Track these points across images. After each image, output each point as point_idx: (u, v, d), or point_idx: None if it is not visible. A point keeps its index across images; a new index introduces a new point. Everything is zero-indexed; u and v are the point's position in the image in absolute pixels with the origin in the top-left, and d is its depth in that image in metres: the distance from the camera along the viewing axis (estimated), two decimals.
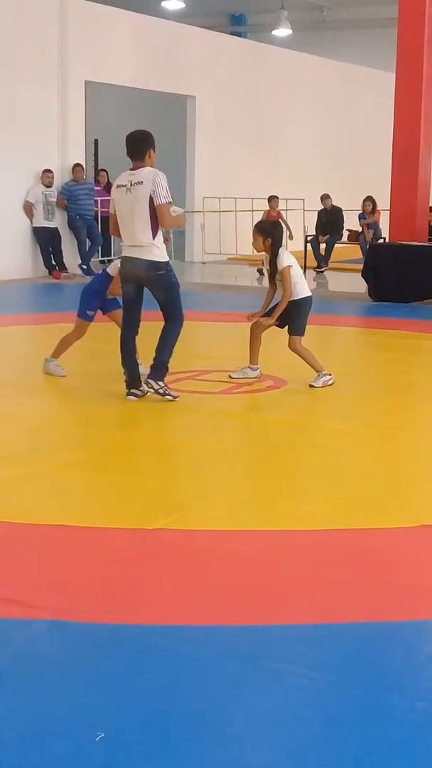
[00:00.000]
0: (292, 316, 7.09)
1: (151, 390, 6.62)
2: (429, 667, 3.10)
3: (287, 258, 7.04)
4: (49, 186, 14.51)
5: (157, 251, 6.55)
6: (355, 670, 3.08)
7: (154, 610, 3.47)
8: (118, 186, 6.65)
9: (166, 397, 6.62)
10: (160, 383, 6.63)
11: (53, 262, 14.69)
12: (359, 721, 2.76)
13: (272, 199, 15.90)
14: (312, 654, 3.16)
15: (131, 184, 6.53)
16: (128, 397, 6.69)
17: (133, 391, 6.70)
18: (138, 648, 3.18)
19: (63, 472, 5.13)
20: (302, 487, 4.97)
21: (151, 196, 6.41)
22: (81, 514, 4.45)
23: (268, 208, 15.71)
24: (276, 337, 7.48)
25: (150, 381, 6.62)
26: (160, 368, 6.65)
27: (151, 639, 3.25)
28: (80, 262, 15.04)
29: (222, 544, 4.13)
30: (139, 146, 6.58)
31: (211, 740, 2.67)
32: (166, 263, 6.61)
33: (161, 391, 6.63)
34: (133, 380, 6.73)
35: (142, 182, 6.47)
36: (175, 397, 6.65)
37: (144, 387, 6.69)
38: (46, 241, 14.61)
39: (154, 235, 6.50)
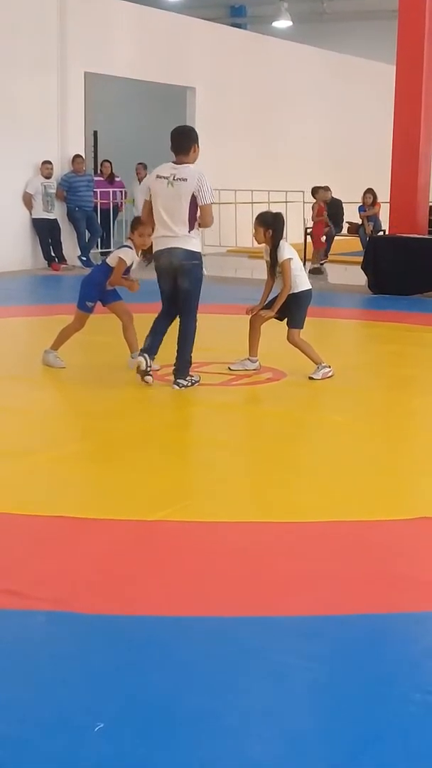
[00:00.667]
0: (292, 309, 7.08)
1: (182, 388, 6.79)
2: (427, 659, 3.10)
3: (288, 250, 7.02)
4: (48, 177, 14.48)
5: (194, 242, 6.73)
6: (353, 661, 3.08)
7: (152, 601, 3.48)
8: (159, 177, 6.76)
9: (195, 384, 6.87)
10: (187, 379, 6.85)
11: (52, 254, 14.67)
12: (357, 712, 2.77)
13: (317, 191, 15.88)
14: (310, 645, 3.16)
15: (174, 178, 6.64)
16: (138, 357, 6.85)
17: (144, 355, 6.80)
18: (137, 639, 3.19)
19: (62, 464, 5.13)
20: (301, 479, 4.97)
21: (194, 194, 6.57)
22: (80, 506, 4.45)
23: (315, 200, 15.58)
24: (275, 329, 7.48)
25: (179, 381, 6.81)
26: (185, 367, 6.87)
27: (149, 630, 3.26)
28: (80, 253, 15.03)
29: (221, 535, 4.14)
30: (183, 141, 6.72)
31: (210, 731, 2.67)
32: (201, 255, 6.83)
33: (189, 384, 6.84)
34: (149, 349, 6.85)
35: (186, 179, 6.60)
36: (198, 380, 6.91)
37: (150, 375, 6.84)
38: (46, 232, 14.59)
39: (191, 229, 6.67)
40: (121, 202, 16.69)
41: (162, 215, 6.71)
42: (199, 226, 6.77)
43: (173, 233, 6.68)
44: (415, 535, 4.22)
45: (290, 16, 22.50)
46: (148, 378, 6.82)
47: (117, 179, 16.63)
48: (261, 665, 3.03)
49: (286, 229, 7.23)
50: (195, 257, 6.74)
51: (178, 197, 6.61)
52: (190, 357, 6.89)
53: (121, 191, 16.68)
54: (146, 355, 6.81)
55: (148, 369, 6.78)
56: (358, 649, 3.17)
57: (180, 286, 6.79)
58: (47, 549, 3.96)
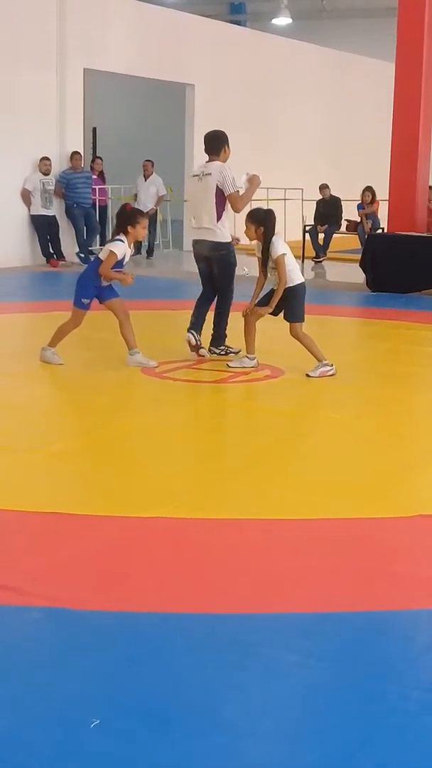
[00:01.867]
0: (289, 303, 7.06)
1: (215, 354, 7.75)
2: (425, 656, 3.10)
3: (282, 246, 7.00)
4: (46, 174, 14.47)
5: (220, 233, 7.55)
6: (351, 658, 3.08)
7: (149, 597, 3.47)
8: (193, 176, 7.80)
9: (230, 354, 7.69)
10: (221, 347, 7.80)
11: (51, 250, 14.66)
12: (355, 709, 2.76)
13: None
14: (308, 642, 3.16)
15: (203, 174, 7.59)
16: (187, 335, 7.66)
17: (191, 332, 7.66)
18: (133, 635, 3.18)
19: (59, 460, 5.12)
20: (299, 476, 4.96)
21: (218, 185, 7.43)
22: (76, 502, 4.45)
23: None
24: (274, 326, 7.47)
25: (212, 348, 7.80)
26: (219, 338, 7.83)
27: (146, 627, 3.25)
28: (78, 250, 15.01)
29: (217, 532, 4.13)
30: (214, 144, 7.61)
31: (208, 728, 2.67)
32: (228, 244, 7.63)
33: (223, 353, 7.76)
34: (194, 325, 7.71)
35: (210, 173, 7.50)
36: (237, 352, 7.64)
37: (203, 348, 7.74)
38: (44, 229, 14.58)
39: (218, 218, 7.52)
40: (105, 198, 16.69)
41: (195, 209, 7.69)
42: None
43: (204, 225, 7.60)
44: (413, 532, 4.22)
45: (290, 13, 22.50)
46: (203, 351, 7.69)
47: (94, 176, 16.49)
48: (258, 662, 3.03)
49: (281, 223, 7.26)
50: (221, 247, 7.59)
51: (205, 190, 7.51)
52: (224, 331, 7.80)
53: (105, 188, 16.69)
54: (193, 332, 7.65)
55: (198, 343, 7.64)
56: (355, 647, 3.16)
57: (213, 272, 7.74)
58: (43, 545, 3.95)
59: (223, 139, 7.63)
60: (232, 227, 7.85)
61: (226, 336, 7.83)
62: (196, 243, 7.75)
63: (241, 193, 7.53)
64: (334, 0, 24.72)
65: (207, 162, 7.63)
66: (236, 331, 7.57)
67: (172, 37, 16.85)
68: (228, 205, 7.55)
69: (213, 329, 7.82)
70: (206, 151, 7.67)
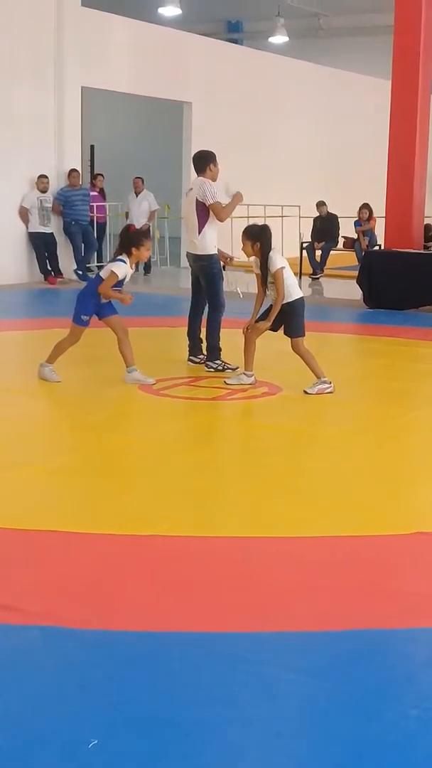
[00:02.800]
0: (289, 319, 7.07)
1: (212, 370, 7.86)
2: (424, 675, 3.09)
3: (279, 260, 7.01)
4: (44, 191, 14.48)
5: (200, 245, 7.88)
6: (349, 676, 3.07)
7: (147, 616, 3.46)
8: (186, 194, 8.17)
9: (227, 370, 7.77)
10: (217, 362, 7.89)
11: (49, 268, 14.67)
12: (354, 727, 2.75)
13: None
14: (306, 661, 3.15)
15: (188, 192, 8.04)
16: (188, 361, 8.16)
17: (191, 358, 8.17)
18: (131, 654, 3.17)
19: (56, 477, 5.12)
20: (296, 493, 4.96)
21: (197, 199, 7.75)
22: (74, 520, 4.43)
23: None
24: (272, 343, 7.48)
25: (208, 363, 7.94)
26: (212, 351, 7.96)
27: (144, 645, 3.24)
28: (75, 267, 15.04)
29: (214, 550, 4.12)
30: (200, 163, 7.95)
31: (205, 747, 2.66)
32: (210, 256, 7.90)
33: (220, 368, 7.84)
34: (192, 349, 8.20)
35: (192, 189, 7.93)
36: (234, 368, 7.71)
37: (201, 357, 8.10)
38: (42, 246, 14.59)
39: (199, 231, 7.83)
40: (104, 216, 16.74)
41: (184, 223, 8.28)
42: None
43: (189, 238, 8.07)
44: (411, 549, 4.21)
45: (286, 32, 22.61)
46: (209, 365, 7.93)
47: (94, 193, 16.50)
48: (256, 680, 3.01)
49: (278, 240, 7.27)
50: (201, 259, 7.92)
51: (189, 204, 7.93)
52: (217, 344, 7.94)
53: (105, 205, 16.73)
54: (192, 357, 8.15)
55: (201, 361, 8.07)
56: (354, 664, 3.15)
57: (202, 285, 8.06)
58: (40, 563, 3.95)
59: (209, 158, 7.94)
60: (229, 247, 7.95)
61: (220, 349, 7.93)
62: (186, 255, 8.23)
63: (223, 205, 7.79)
64: (331, 18, 24.85)
65: (194, 180, 8.05)
66: (235, 347, 7.57)
67: (170, 55, 16.93)
68: (211, 218, 7.79)
69: (207, 344, 8.00)
70: (195, 170, 8.04)
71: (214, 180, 7.88)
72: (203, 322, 8.16)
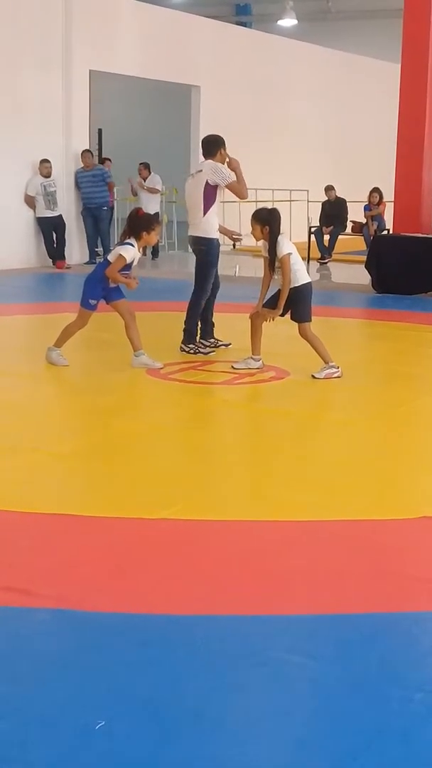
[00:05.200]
0: (296, 304, 7.06)
1: (184, 352, 7.87)
2: (429, 659, 3.10)
3: (287, 245, 7.00)
4: (47, 176, 14.43)
5: (203, 228, 7.82)
6: (354, 661, 3.08)
7: (154, 599, 3.48)
8: (190, 176, 8.09)
9: (199, 353, 7.82)
10: (191, 346, 7.89)
11: (59, 252, 14.63)
12: (359, 712, 2.76)
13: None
14: (312, 645, 3.16)
15: (196, 173, 7.95)
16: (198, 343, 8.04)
17: (201, 341, 8.04)
18: (138, 637, 3.19)
19: (65, 461, 5.13)
20: (303, 477, 4.97)
21: (208, 181, 7.68)
22: (82, 504, 4.45)
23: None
24: (279, 327, 7.48)
25: (182, 346, 7.92)
26: (185, 335, 7.94)
27: (151, 628, 3.26)
28: (98, 250, 14.98)
29: (222, 534, 4.14)
30: (210, 147, 7.88)
31: (211, 730, 2.68)
32: (210, 240, 7.85)
33: (192, 351, 7.86)
34: (203, 332, 8.08)
35: (202, 170, 7.82)
36: (207, 353, 7.82)
37: (213, 341, 8.10)
38: (49, 230, 14.57)
39: (204, 213, 7.76)
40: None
41: (187, 205, 7.99)
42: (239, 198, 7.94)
43: (190, 219, 7.94)
44: (417, 534, 4.22)
45: (295, 15, 22.49)
46: (221, 344, 8.03)
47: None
48: (262, 664, 3.03)
49: (286, 224, 7.25)
50: (201, 242, 7.86)
51: (195, 186, 7.81)
52: (190, 327, 7.92)
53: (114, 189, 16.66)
54: (201, 341, 8.00)
55: (215, 342, 8.04)
56: (359, 649, 3.16)
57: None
58: (50, 547, 3.96)
59: (219, 143, 7.85)
60: (238, 227, 7.93)
61: (192, 334, 7.95)
62: (188, 237, 8.12)
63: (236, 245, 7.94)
64: (340, 1, 24.72)
65: (201, 162, 7.99)
66: (242, 331, 7.57)
67: (178, 38, 16.87)
68: (216, 203, 7.83)
69: (185, 325, 7.95)
70: (203, 154, 7.99)
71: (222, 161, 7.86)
72: (214, 306, 8.19)
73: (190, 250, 8.42)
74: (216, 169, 7.73)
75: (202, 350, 7.89)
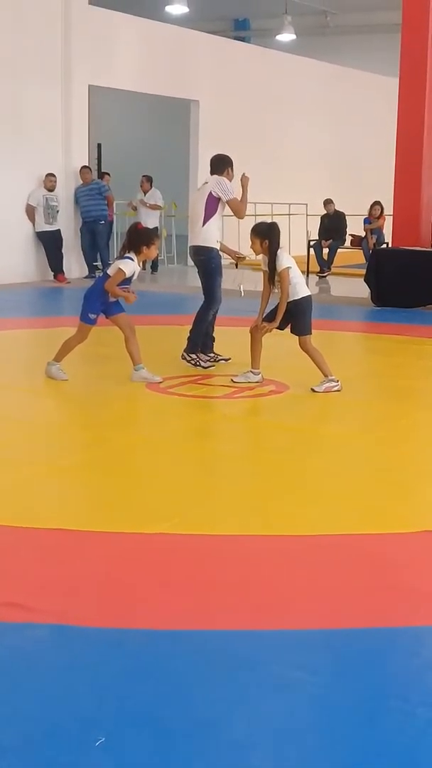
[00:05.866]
0: (296, 317, 7.07)
1: (185, 361, 7.91)
2: (431, 673, 3.08)
3: (286, 259, 7.02)
4: (51, 190, 14.47)
5: (202, 237, 7.89)
6: (357, 675, 3.06)
7: (154, 614, 3.46)
8: (197, 189, 8.23)
9: (198, 367, 7.83)
10: (192, 356, 7.92)
11: (57, 266, 14.65)
12: (360, 726, 2.75)
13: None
14: (314, 659, 3.15)
15: (201, 186, 8.12)
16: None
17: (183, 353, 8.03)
18: (138, 652, 3.18)
19: (64, 476, 5.12)
20: (303, 491, 4.95)
21: (212, 193, 7.80)
22: (82, 518, 4.44)
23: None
24: (278, 341, 7.48)
25: (183, 354, 7.95)
26: (189, 345, 7.96)
27: (151, 643, 3.24)
28: (97, 264, 15.03)
29: (222, 548, 4.12)
30: (218, 166, 7.99)
31: (212, 745, 2.66)
32: (209, 249, 7.89)
33: (192, 363, 7.88)
34: (203, 347, 8.08)
35: (208, 182, 7.96)
36: (206, 367, 7.84)
37: (212, 356, 8.11)
38: (50, 243, 14.59)
39: (204, 223, 7.84)
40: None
41: (190, 216, 8.17)
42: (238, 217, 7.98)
43: (191, 229, 8.08)
44: (419, 548, 4.20)
45: (294, 30, 22.57)
46: (220, 359, 8.06)
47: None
48: (262, 679, 3.01)
49: (285, 238, 7.26)
50: (201, 252, 7.93)
51: (200, 197, 7.94)
52: (194, 338, 7.92)
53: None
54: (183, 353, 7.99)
55: (214, 357, 8.06)
56: (361, 663, 3.15)
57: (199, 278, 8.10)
58: (47, 561, 3.95)
59: (227, 162, 8.00)
60: (236, 244, 7.94)
61: (197, 344, 7.96)
62: (189, 249, 8.31)
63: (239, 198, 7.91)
64: (338, 16, 24.82)
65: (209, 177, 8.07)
66: (241, 345, 7.57)
67: (177, 53, 16.93)
68: (217, 214, 7.86)
69: (190, 334, 7.96)
70: (211, 172, 8.04)
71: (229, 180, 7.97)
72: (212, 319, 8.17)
73: (190, 262, 8.46)
74: (221, 182, 7.82)
75: (202, 363, 7.88)
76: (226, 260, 8.38)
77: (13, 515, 4.43)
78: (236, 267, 8.38)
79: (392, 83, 14.28)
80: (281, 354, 7.83)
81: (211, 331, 8.18)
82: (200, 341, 7.99)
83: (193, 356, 7.92)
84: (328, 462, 5.55)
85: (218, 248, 7.97)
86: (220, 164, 7.97)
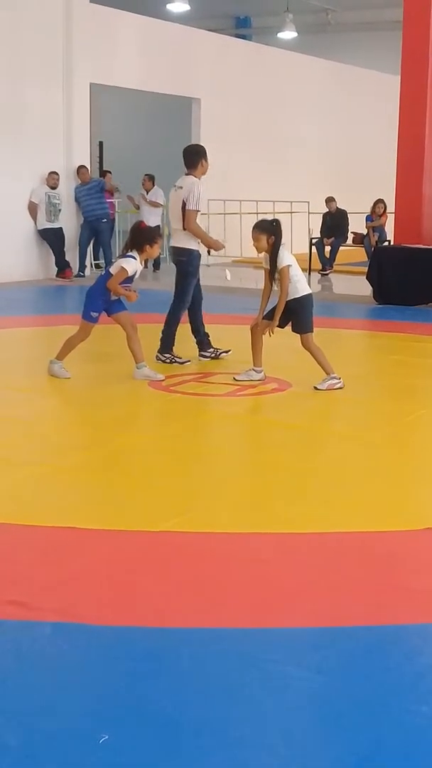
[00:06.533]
0: (296, 315, 7.07)
1: (160, 361, 7.90)
2: None
3: (287, 257, 7.01)
4: (54, 187, 14.48)
5: (183, 239, 7.87)
6: (358, 673, 3.07)
7: (157, 612, 3.46)
8: (173, 186, 8.06)
9: (175, 363, 7.89)
10: (166, 355, 7.95)
11: (61, 262, 14.66)
12: (362, 724, 2.75)
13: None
14: (315, 657, 3.15)
15: (177, 187, 7.94)
16: (199, 357, 8.15)
17: (202, 354, 8.18)
18: (141, 650, 3.18)
19: (67, 474, 5.13)
20: (306, 489, 4.96)
21: (184, 200, 7.75)
22: (85, 516, 4.44)
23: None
24: (280, 339, 7.47)
25: (158, 354, 7.94)
26: (161, 344, 7.99)
27: (154, 641, 3.25)
28: (80, 265, 15.04)
29: (225, 546, 4.13)
30: (192, 158, 7.89)
31: (214, 743, 2.66)
32: (189, 251, 7.88)
33: (168, 361, 7.91)
34: (200, 344, 8.19)
35: (182, 187, 7.84)
36: (183, 362, 7.91)
37: (212, 351, 8.16)
38: (53, 241, 14.58)
39: (184, 227, 7.80)
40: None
41: (170, 215, 8.07)
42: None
43: (172, 232, 8.01)
44: (420, 546, 4.20)
45: (295, 28, 22.56)
46: (222, 354, 8.16)
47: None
48: (265, 677, 3.02)
49: (287, 236, 7.25)
50: (181, 253, 7.92)
51: (177, 200, 7.86)
52: (168, 337, 7.96)
53: (113, 201, 16.69)
54: (202, 353, 8.12)
55: (214, 352, 8.14)
56: (361, 661, 3.15)
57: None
58: (52, 560, 3.95)
59: (201, 153, 7.90)
60: (237, 243, 7.91)
61: (167, 343, 7.99)
62: (169, 249, 8.32)
63: (212, 252, 7.89)
64: (339, 14, 24.79)
65: (185, 175, 7.93)
66: (243, 343, 7.57)
67: (178, 51, 16.92)
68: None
69: (161, 333, 8.00)
70: (185, 164, 7.95)
71: (203, 175, 7.92)
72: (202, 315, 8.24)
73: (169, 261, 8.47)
74: (193, 190, 7.75)
75: (178, 360, 7.93)
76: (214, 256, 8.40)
77: (15, 513, 4.43)
78: (208, 254, 8.40)
79: (394, 81, 14.26)
80: (283, 352, 7.83)
81: (202, 329, 8.18)
82: (173, 340, 7.99)
83: (167, 355, 7.95)
84: (330, 459, 5.55)
85: (197, 249, 7.95)
86: (195, 156, 7.86)
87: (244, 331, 7.64)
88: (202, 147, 8.01)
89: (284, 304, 7.00)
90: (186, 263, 7.92)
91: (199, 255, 8.02)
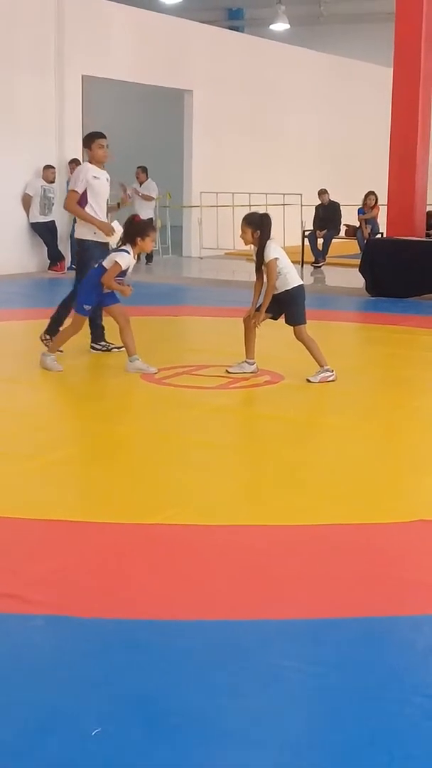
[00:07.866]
0: (288, 307, 7.07)
1: (96, 350, 8.07)
2: (426, 662, 3.10)
3: (274, 250, 7.00)
4: (50, 182, 14.45)
5: (79, 231, 7.99)
6: (352, 664, 3.07)
7: (151, 604, 3.47)
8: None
9: (112, 351, 8.00)
10: (102, 344, 8.08)
11: (54, 254, 14.64)
12: (356, 715, 2.76)
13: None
14: (309, 649, 3.16)
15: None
16: (90, 349, 8.12)
17: (93, 345, 8.14)
18: (135, 643, 3.18)
19: (59, 467, 5.12)
20: (299, 482, 4.96)
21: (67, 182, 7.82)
22: (76, 509, 4.45)
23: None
24: (273, 331, 7.48)
25: (42, 335, 7.93)
26: (92, 335, 8.07)
27: (147, 634, 3.25)
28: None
29: (218, 539, 4.13)
30: (86, 139, 8.09)
31: (208, 735, 2.67)
32: (82, 241, 7.89)
33: (103, 349, 8.05)
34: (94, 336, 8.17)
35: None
36: (110, 349, 7.99)
37: (103, 345, 8.14)
38: (45, 234, 14.56)
39: (77, 216, 7.91)
40: None
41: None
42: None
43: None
44: (413, 537, 4.21)
45: (288, 19, 22.51)
46: (114, 349, 8.00)
47: None
48: (258, 669, 3.02)
49: (279, 228, 7.24)
50: (78, 243, 8.03)
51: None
52: (57, 321, 7.92)
53: None
54: (93, 345, 8.09)
55: (103, 348, 8.09)
56: (356, 653, 3.16)
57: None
58: (44, 552, 3.95)
59: (93, 135, 8.01)
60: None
61: (48, 332, 7.90)
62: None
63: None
64: (332, 6, 24.76)
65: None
66: (235, 336, 7.57)
67: (171, 43, 16.88)
68: (89, 204, 7.79)
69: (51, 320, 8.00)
70: (83, 146, 8.26)
71: (99, 161, 7.93)
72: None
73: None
74: (75, 174, 7.95)
75: (114, 347, 7.94)
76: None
77: (9, 506, 4.43)
78: (118, 207, 8.47)
79: (386, 73, 14.25)
80: (276, 344, 7.83)
81: (100, 321, 8.08)
82: (102, 329, 8.05)
83: (103, 343, 8.04)
84: (323, 452, 5.56)
85: (93, 239, 7.79)
86: (88, 138, 8.04)
87: (235, 323, 7.63)
88: (97, 132, 8.06)
89: (271, 297, 7.00)
90: (81, 251, 7.94)
91: (94, 244, 7.80)
